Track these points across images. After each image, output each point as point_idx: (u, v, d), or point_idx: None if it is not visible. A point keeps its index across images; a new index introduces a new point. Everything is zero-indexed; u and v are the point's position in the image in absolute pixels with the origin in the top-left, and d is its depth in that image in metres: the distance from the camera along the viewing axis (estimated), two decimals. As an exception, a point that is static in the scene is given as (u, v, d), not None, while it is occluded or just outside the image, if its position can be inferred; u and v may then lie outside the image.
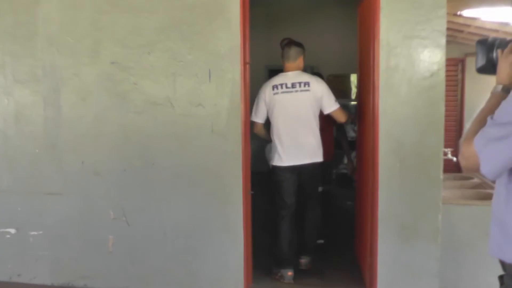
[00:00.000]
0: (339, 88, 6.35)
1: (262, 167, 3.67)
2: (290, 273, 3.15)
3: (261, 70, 5.80)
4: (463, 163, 1.13)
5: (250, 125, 2.91)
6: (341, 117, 3.16)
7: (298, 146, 3.11)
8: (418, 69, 2.59)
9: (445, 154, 3.40)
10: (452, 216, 2.72)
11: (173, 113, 2.77)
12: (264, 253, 3.33)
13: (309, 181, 3.23)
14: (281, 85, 3.10)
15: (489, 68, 1.25)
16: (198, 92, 2.73)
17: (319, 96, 3.07)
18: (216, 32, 2.69)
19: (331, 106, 3.10)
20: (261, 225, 3.47)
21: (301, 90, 3.07)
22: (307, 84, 3.07)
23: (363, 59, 3.08)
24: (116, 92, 2.83)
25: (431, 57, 2.56)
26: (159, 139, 2.81)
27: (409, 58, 2.59)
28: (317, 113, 3.14)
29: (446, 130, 2.63)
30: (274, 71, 3.32)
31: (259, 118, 3.18)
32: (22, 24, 2.90)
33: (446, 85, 2.58)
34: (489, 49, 1.25)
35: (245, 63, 2.72)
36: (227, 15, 2.67)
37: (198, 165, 2.79)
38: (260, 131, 3.25)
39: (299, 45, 3.21)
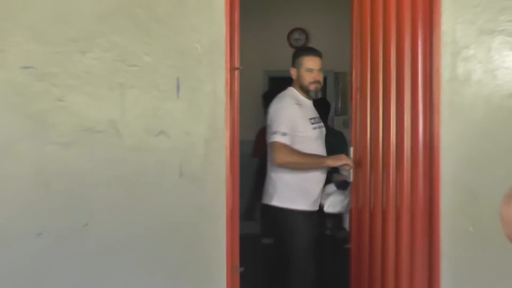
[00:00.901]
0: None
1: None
2: None
3: (258, 78, 4.40)
4: (505, 230, 0.90)
5: (240, 161, 2.21)
6: (273, 155, 2.50)
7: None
8: (502, 82, 1.97)
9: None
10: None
11: (120, 145, 2.07)
12: None
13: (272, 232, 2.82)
14: None
15: None
16: (159, 113, 2.07)
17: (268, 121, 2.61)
18: (188, 19, 2.03)
19: (268, 136, 2.53)
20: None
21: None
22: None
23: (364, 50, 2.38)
24: (29, 113, 2.07)
25: (523, 64, 1.94)
26: (97, 186, 2.09)
27: (488, 65, 1.97)
28: None
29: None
30: (277, 80, 2.63)
31: None
32: None
33: (549, 107, 1.95)
34: None
35: (232, 68, 2.06)
36: (206, -7, 2.00)
37: (158, 225, 2.08)
38: None
39: (297, 51, 2.82)
